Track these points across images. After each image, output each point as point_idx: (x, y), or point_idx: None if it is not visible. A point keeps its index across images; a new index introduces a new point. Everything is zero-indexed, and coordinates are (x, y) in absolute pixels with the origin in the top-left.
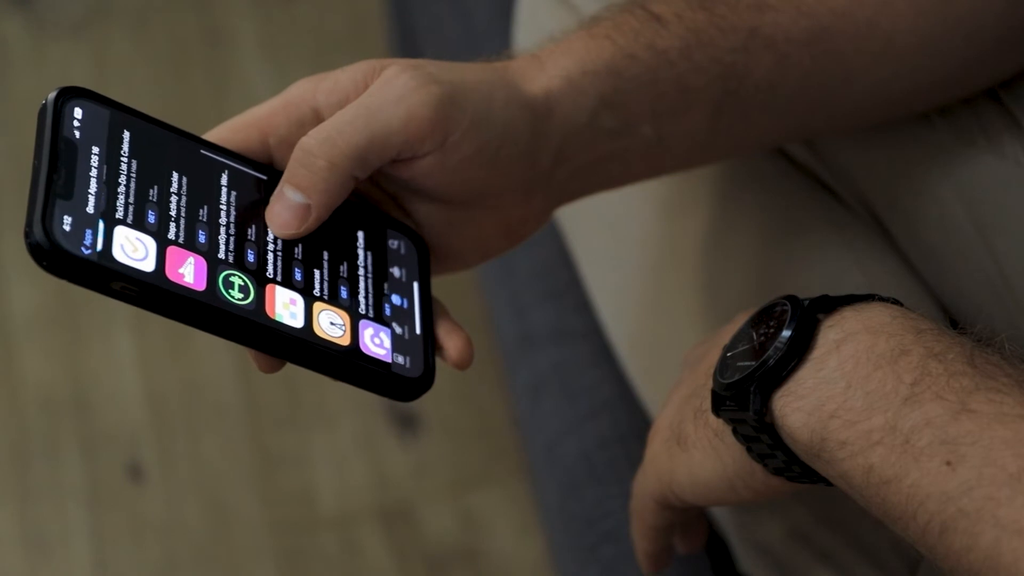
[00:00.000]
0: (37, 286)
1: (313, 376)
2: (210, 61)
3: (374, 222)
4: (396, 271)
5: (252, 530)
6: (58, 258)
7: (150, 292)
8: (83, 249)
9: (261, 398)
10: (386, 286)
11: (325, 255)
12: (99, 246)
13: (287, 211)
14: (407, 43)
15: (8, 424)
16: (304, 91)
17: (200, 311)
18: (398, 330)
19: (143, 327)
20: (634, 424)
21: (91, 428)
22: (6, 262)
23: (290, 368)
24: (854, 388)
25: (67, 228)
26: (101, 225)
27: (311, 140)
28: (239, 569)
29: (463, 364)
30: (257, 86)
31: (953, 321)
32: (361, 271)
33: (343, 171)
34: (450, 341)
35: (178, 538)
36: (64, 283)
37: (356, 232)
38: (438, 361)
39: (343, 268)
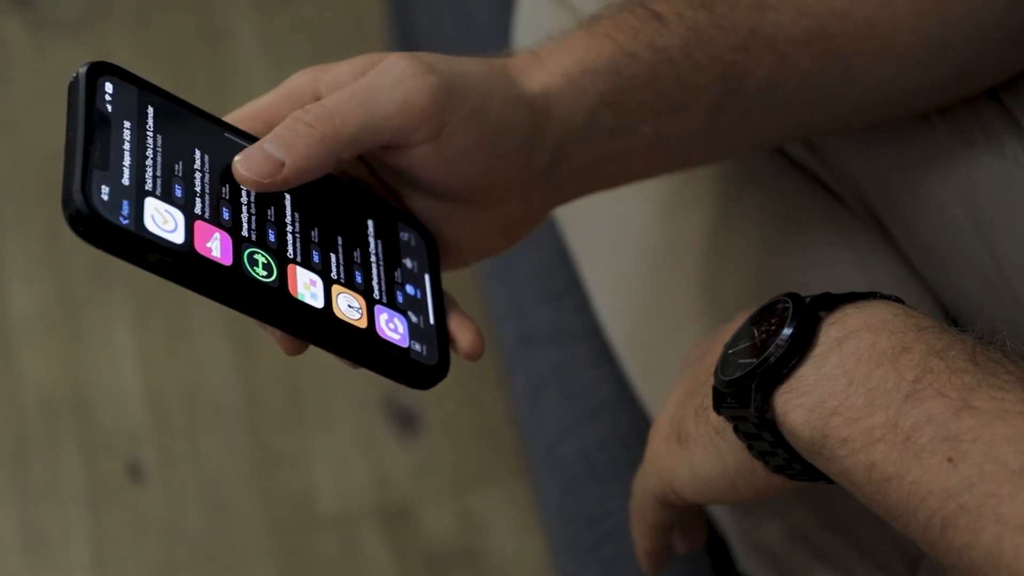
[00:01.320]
0: (37, 286)
1: (314, 375)
2: (210, 61)
3: (385, 214)
4: (408, 262)
5: (252, 530)
6: (97, 226)
7: (185, 264)
8: (121, 219)
9: (261, 398)
10: (399, 275)
11: (339, 240)
12: (135, 216)
13: (260, 159)
14: (407, 43)
15: (8, 424)
16: (305, 81)
17: (231, 285)
18: (413, 319)
19: (143, 327)
20: (634, 424)
21: (91, 428)
22: (7, 262)
23: (290, 368)
24: (855, 385)
25: (105, 198)
26: (135, 196)
27: (307, 113)
28: (239, 569)
29: (474, 355)
30: (257, 85)
31: (953, 320)
32: (373, 258)
33: (332, 147)
34: (461, 333)
35: (178, 538)
36: (65, 283)
37: (367, 221)
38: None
39: (356, 254)
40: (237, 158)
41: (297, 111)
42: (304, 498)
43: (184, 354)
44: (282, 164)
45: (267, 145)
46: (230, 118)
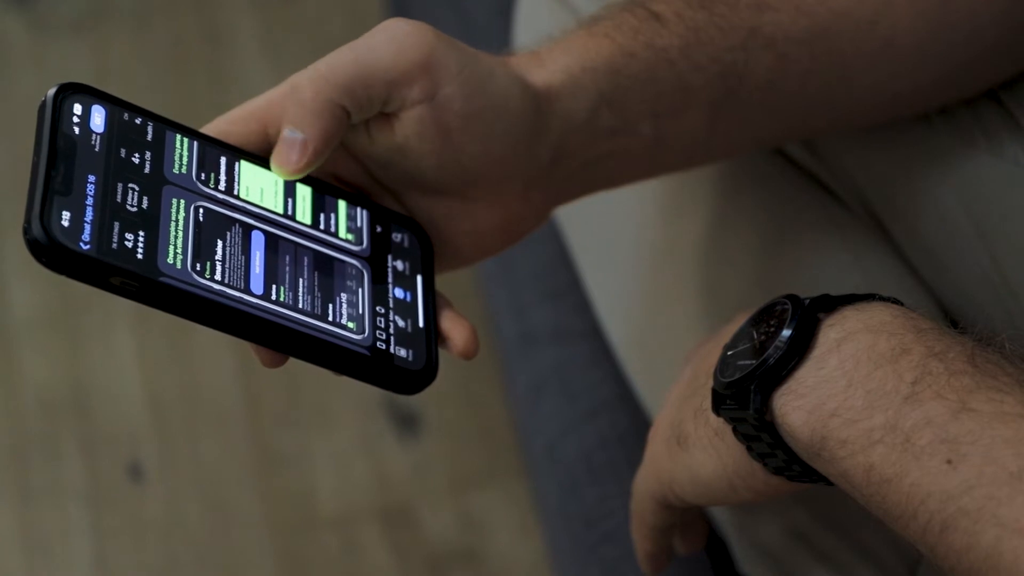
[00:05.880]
0: (38, 287)
1: (314, 376)
2: (210, 61)
3: (377, 216)
4: (399, 264)
5: (252, 530)
6: (56, 254)
7: (151, 286)
8: (81, 244)
9: (261, 398)
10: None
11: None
12: (97, 241)
13: (285, 147)
14: None
15: (8, 424)
16: None
17: (200, 305)
18: (400, 323)
19: (143, 327)
20: (634, 424)
21: (91, 428)
22: (7, 262)
23: (290, 368)
24: (855, 387)
25: (65, 224)
26: (99, 220)
27: (300, 75)
28: (239, 569)
29: (468, 354)
30: (257, 86)
31: (953, 321)
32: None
33: (330, 101)
34: (455, 332)
35: (178, 538)
36: (65, 284)
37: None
38: (442, 358)
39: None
40: (272, 158)
41: (293, 78)
42: (304, 498)
43: (184, 354)
44: (305, 142)
45: (285, 131)
46: (226, 117)
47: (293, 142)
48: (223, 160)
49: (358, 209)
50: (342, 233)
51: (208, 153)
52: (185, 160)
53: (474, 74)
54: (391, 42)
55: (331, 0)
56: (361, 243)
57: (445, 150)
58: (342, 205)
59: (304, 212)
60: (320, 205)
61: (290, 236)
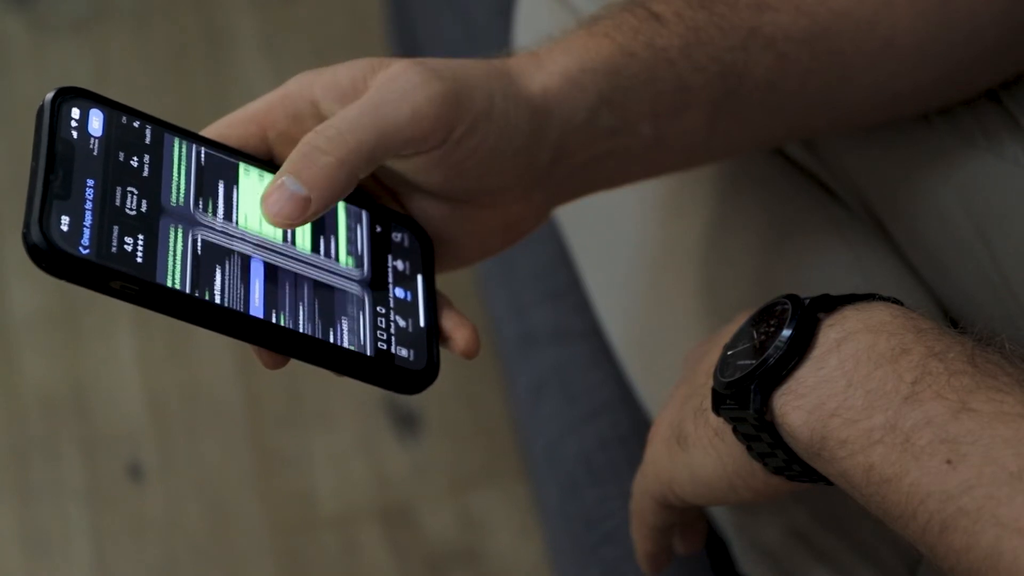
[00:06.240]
0: (38, 286)
1: (314, 376)
2: (210, 61)
3: (377, 216)
4: (399, 264)
5: (252, 530)
6: (56, 259)
7: (151, 290)
8: (81, 249)
9: (261, 398)
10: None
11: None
12: (97, 245)
13: (287, 201)
14: (407, 43)
15: (8, 424)
16: (302, 85)
17: (199, 308)
18: (401, 323)
19: (144, 328)
20: (634, 425)
21: (91, 428)
22: (7, 262)
23: (291, 368)
24: (854, 387)
25: (64, 228)
26: (98, 224)
27: (319, 137)
28: (239, 569)
29: (470, 353)
30: (257, 86)
31: (953, 321)
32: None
33: (352, 168)
34: (457, 331)
35: (178, 538)
36: (65, 284)
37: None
38: (442, 358)
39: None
40: (265, 204)
41: (308, 135)
42: (304, 498)
43: (184, 354)
44: (308, 200)
45: (288, 181)
46: (225, 120)
47: (296, 197)
48: (219, 164)
49: (357, 209)
50: (341, 237)
51: (206, 157)
52: (182, 165)
53: (481, 108)
54: (405, 100)
55: (331, 0)
56: (359, 248)
57: (449, 176)
58: (340, 206)
59: None
60: None
61: (287, 250)
